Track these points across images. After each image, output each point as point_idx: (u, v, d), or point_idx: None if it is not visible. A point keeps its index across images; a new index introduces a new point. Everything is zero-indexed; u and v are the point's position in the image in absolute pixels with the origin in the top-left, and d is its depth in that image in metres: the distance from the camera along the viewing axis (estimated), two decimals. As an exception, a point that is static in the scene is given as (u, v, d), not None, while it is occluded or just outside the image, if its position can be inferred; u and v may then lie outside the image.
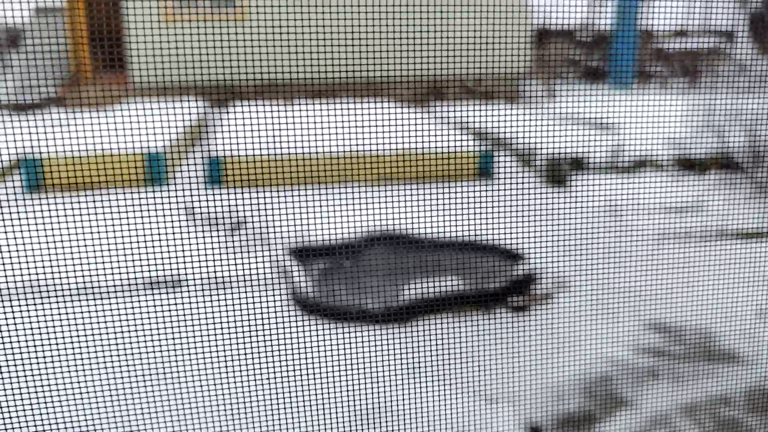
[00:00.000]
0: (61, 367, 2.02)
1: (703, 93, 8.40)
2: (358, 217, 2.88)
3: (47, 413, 1.91)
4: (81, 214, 1.95)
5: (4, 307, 2.01)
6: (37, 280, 2.12)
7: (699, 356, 3.13)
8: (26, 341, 1.91)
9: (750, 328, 3.10)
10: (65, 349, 1.87)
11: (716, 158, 6.46)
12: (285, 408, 2.21)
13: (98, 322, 1.99)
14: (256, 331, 1.94)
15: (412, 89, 8.94)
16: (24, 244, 1.88)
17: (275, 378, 2.15)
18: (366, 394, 2.59)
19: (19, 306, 1.92)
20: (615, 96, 8.76)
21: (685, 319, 3.37)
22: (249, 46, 2.19)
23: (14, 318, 1.91)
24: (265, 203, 2.01)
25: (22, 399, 1.90)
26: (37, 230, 1.89)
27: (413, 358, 3.01)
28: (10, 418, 1.86)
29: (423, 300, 3.48)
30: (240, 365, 2.19)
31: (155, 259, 1.80)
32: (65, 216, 1.92)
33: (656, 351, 3.15)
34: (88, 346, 2.04)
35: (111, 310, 2.43)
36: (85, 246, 1.88)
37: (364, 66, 2.23)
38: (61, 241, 1.87)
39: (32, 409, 1.91)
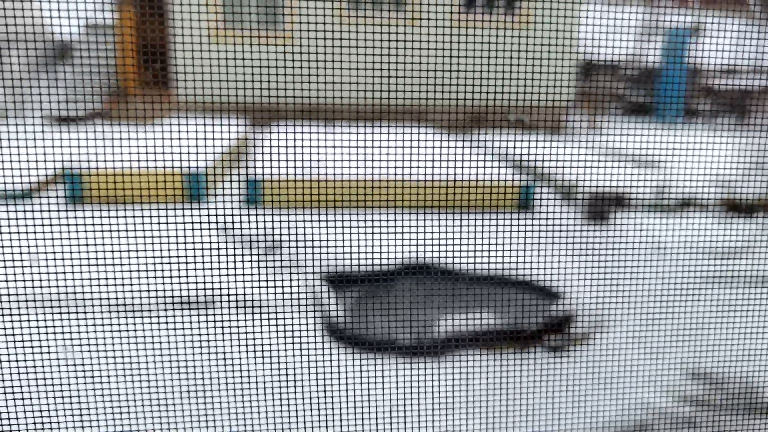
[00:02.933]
0: (84, 378, 2.00)
1: (752, 132, 8.21)
2: (393, 244, 2.84)
3: (75, 422, 1.88)
4: (119, 229, 1.93)
5: (36, 317, 2.00)
6: (76, 291, 2.11)
7: (742, 408, 2.99)
8: (52, 353, 1.88)
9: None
10: (96, 361, 1.84)
11: (765, 200, 6.27)
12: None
13: (128, 338, 1.96)
14: (294, 356, 1.88)
15: (455, 117, 8.90)
16: (63, 255, 1.87)
17: (300, 403, 2.09)
18: (392, 428, 2.52)
19: (52, 317, 1.90)
20: (661, 132, 8.61)
21: (730, 368, 3.23)
22: (295, 67, 2.17)
23: (46, 329, 1.89)
24: (296, 226, 1.97)
25: (56, 410, 1.87)
26: (70, 242, 1.87)
27: (443, 393, 2.92)
28: (44, 429, 1.84)
29: (456, 334, 3.39)
30: (269, 389, 2.14)
31: (189, 276, 1.76)
32: (101, 229, 1.91)
33: (697, 400, 3.01)
34: (116, 361, 2.01)
35: (142, 326, 2.40)
36: (120, 260, 1.85)
37: (408, 91, 2.19)
38: (95, 254, 1.84)
39: (59, 419, 1.88)
